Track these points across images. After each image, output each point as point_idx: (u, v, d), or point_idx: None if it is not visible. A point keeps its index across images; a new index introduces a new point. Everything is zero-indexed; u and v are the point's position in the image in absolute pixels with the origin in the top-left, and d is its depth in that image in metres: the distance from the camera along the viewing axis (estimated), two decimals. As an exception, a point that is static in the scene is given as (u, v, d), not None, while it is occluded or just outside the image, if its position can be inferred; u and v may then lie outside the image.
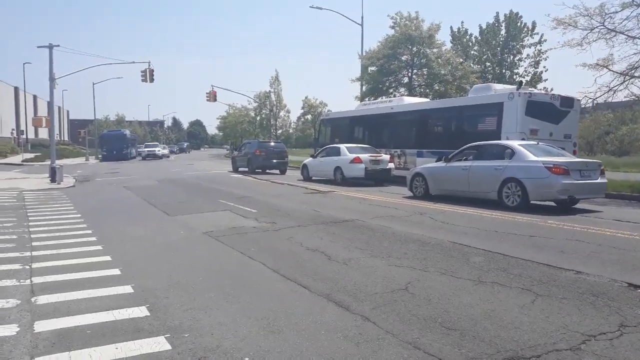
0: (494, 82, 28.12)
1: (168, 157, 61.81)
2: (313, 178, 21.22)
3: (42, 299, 5.14)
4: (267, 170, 27.37)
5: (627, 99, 16.20)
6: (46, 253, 7.33)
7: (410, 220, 9.91)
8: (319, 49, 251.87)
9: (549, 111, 15.36)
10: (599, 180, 11.06)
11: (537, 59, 42.48)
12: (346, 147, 19.35)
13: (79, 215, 11.32)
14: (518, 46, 42.84)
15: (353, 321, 4.38)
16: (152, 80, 32.57)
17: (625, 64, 15.53)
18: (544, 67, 42.30)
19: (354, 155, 18.49)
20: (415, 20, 29.53)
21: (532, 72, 42.12)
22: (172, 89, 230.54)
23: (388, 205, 12.36)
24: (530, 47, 42.19)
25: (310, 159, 22.24)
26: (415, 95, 26.45)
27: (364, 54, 30.84)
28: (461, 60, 30.68)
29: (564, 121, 15.69)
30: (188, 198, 15.05)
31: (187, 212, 11.84)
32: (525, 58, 42.66)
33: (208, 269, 6.40)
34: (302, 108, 38.21)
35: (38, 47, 25.77)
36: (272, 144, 28.98)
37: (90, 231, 9.20)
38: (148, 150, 56.73)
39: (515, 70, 43.13)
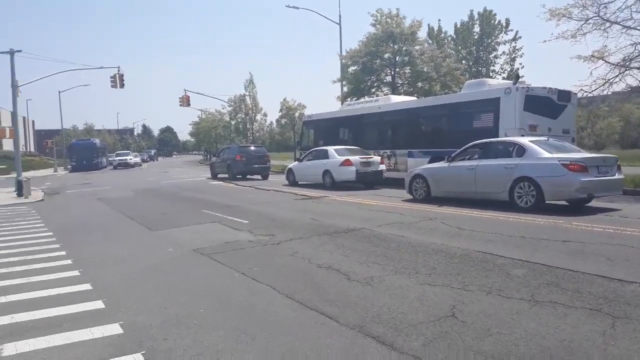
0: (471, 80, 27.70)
1: (140, 165, 60.02)
2: (299, 183, 20.30)
3: (9, 348, 4.12)
4: (248, 176, 26.34)
5: (625, 90, 15.76)
6: (13, 283, 6.25)
7: (423, 227, 9.06)
8: (296, 50, 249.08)
9: (547, 106, 14.78)
10: (616, 177, 10.44)
11: (513, 56, 42.57)
12: (335, 150, 18.46)
13: (50, 234, 10.15)
14: (493, 43, 42.86)
15: (408, 365, 3.49)
16: (122, 85, 31.18)
17: (620, 55, 15.08)
18: (520, 63, 42.34)
19: (344, 158, 17.62)
20: (397, 18, 28.79)
21: (508, 69, 42.12)
22: (142, 96, 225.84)
23: (391, 211, 11.50)
24: (505, 44, 42.29)
25: (296, 162, 21.35)
26: (398, 94, 25.71)
27: (343, 53, 30.03)
28: (445, 56, 30.05)
29: (562, 116, 15.14)
30: (169, 209, 13.93)
31: (171, 225, 10.76)
32: (501, 55, 42.73)
33: (208, 296, 5.40)
34: (280, 110, 37.11)
35: (-1, 53, 24.02)
36: (253, 148, 27.84)
37: (64, 252, 8.10)
38: (120, 159, 54.88)
39: (492, 68, 43.12)
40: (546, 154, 10.35)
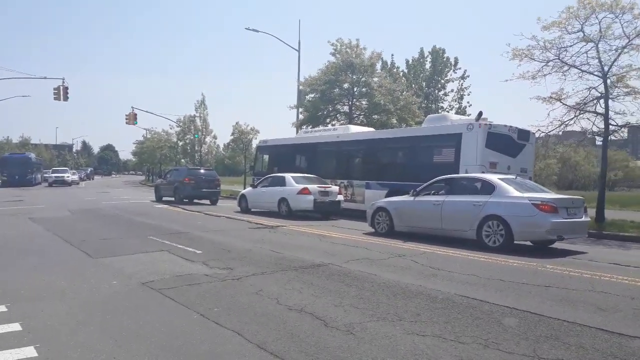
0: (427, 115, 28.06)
1: (78, 183, 57.02)
2: (252, 210, 19.47)
3: None
4: (196, 201, 25.22)
5: (578, 130, 16.22)
6: None
7: (394, 265, 8.54)
8: (252, 74, 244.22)
9: (507, 144, 14.90)
10: (583, 219, 10.38)
11: (461, 94, 43.94)
12: (292, 177, 17.85)
13: (-29, 258, 8.91)
14: (443, 81, 44.17)
15: None
16: (66, 98, 29.62)
17: (576, 98, 15.53)
18: (468, 102, 43.73)
19: (302, 186, 17.03)
20: (357, 48, 28.86)
21: (456, 107, 43.37)
22: (85, 111, 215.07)
23: (356, 245, 10.93)
24: (453, 82, 43.65)
25: (250, 188, 20.55)
26: (355, 125, 25.57)
27: (301, 80, 29.74)
28: (403, 89, 30.33)
29: (521, 155, 15.32)
30: (112, 234, 12.77)
31: (114, 252, 9.72)
32: (450, 92, 44.02)
33: (165, 343, 4.59)
34: (232, 134, 36.23)
35: None
36: (203, 171, 26.75)
37: (-13, 282, 6.99)
38: (56, 176, 51.86)
39: (440, 104, 44.27)
40: (516, 193, 10.17)
